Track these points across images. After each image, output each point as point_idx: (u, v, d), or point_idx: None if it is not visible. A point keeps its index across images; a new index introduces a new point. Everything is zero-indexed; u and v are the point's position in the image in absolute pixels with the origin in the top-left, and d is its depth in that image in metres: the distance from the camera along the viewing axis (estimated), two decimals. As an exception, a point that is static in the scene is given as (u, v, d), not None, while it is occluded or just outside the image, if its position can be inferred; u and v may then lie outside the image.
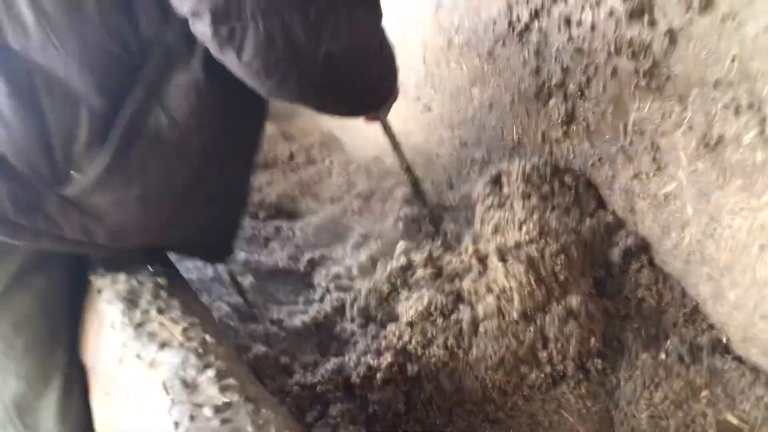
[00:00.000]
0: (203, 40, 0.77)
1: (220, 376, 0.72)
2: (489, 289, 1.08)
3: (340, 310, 1.15)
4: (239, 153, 1.00)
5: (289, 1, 0.73)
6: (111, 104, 0.81)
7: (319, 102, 0.91)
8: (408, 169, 1.42)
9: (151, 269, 0.91)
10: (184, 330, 0.79)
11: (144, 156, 0.84)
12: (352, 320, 1.12)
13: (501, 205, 1.19)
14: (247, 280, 1.22)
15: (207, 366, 0.73)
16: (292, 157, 1.97)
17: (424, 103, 1.67)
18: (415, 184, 1.46)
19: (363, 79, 0.92)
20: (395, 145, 1.36)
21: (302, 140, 2.09)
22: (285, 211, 1.58)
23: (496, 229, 1.17)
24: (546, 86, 1.26)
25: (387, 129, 1.32)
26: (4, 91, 0.77)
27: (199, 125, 0.86)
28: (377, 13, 0.87)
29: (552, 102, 1.26)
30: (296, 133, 2.17)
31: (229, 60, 0.77)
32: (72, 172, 0.82)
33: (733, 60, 0.94)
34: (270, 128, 2.09)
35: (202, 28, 0.74)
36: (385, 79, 1.02)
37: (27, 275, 0.92)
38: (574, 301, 1.05)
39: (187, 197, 0.91)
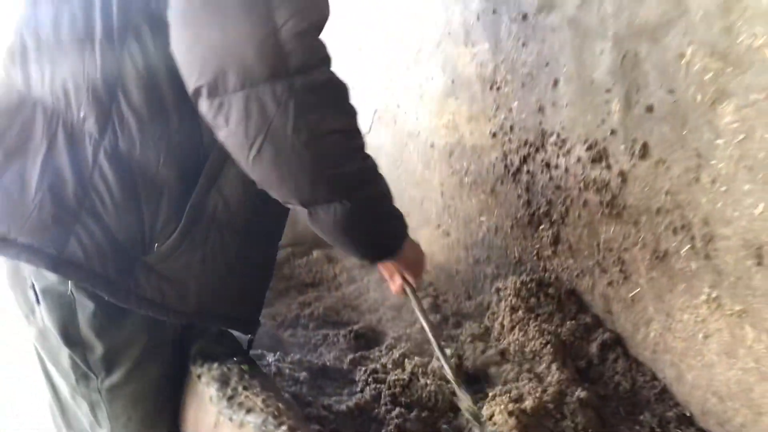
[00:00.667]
0: (205, 118, 0.93)
1: (291, 430, 1.01)
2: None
3: (377, 397, 1.42)
4: (271, 233, 1.26)
5: (262, 78, 0.87)
6: (185, 189, 1.06)
7: (300, 195, 0.98)
8: (440, 348, 1.34)
9: (236, 359, 1.22)
10: (264, 400, 1.08)
11: (205, 231, 1.10)
12: (386, 405, 1.40)
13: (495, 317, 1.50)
14: (301, 376, 1.51)
15: (281, 424, 1.02)
16: (335, 276, 2.31)
17: (444, 230, 2.01)
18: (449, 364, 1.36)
19: (339, 181, 0.98)
20: (425, 317, 1.35)
21: (344, 262, 2.43)
22: (330, 322, 1.89)
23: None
24: (536, 215, 1.59)
25: (416, 299, 1.34)
26: (117, 184, 1.02)
27: (244, 208, 1.13)
28: (345, 114, 0.97)
29: (542, 227, 1.59)
30: (339, 256, 2.51)
31: (221, 133, 0.93)
32: (155, 243, 1.08)
33: (666, 194, 1.27)
34: (317, 253, 2.45)
35: (201, 105, 0.92)
36: (374, 199, 1.06)
37: (151, 354, 1.22)
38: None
39: (233, 267, 1.17)
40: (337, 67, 0.99)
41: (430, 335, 1.33)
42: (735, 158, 1.12)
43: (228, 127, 0.91)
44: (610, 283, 1.44)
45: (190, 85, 0.91)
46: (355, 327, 1.79)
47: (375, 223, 1.10)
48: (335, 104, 0.95)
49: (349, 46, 2.26)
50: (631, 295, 1.40)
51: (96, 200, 1.03)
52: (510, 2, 1.54)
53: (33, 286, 1.12)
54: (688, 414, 1.30)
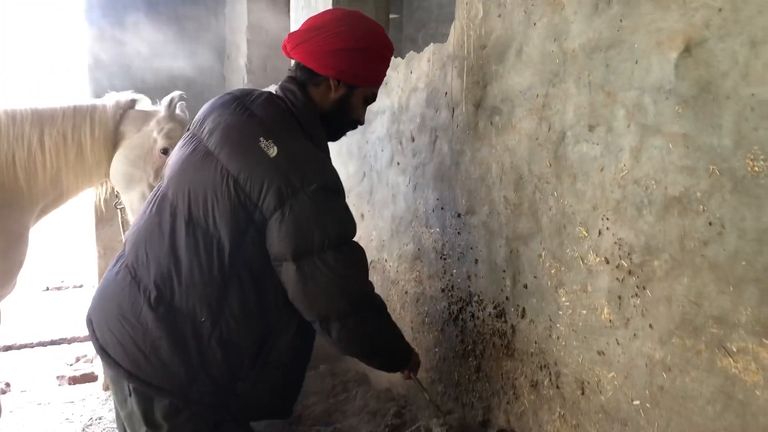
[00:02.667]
0: (313, 325, 1.75)
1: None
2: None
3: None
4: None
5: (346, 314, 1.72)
6: (257, 351, 1.77)
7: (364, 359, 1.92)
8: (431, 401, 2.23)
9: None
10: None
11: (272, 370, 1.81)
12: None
13: None
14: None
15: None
16: (333, 387, 2.96)
17: (414, 355, 2.67)
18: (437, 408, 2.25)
19: (380, 353, 1.90)
20: (423, 389, 2.17)
21: (342, 376, 3.08)
22: (323, 420, 2.53)
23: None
24: (466, 350, 2.26)
25: (417, 382, 2.13)
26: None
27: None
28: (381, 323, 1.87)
29: (470, 359, 2.24)
30: (340, 372, 3.17)
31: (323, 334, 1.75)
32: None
33: (535, 342, 1.93)
34: (323, 367, 3.11)
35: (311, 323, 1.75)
36: (395, 353, 1.95)
37: None
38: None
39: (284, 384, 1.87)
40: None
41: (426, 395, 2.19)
42: (567, 323, 1.80)
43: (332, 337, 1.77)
44: (508, 402, 2.07)
45: (306, 317, 1.74)
46: (341, 426, 2.43)
47: (394, 357, 1.96)
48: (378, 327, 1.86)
49: (355, 215, 3.05)
50: (519, 410, 2.03)
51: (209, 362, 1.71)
52: (451, 204, 2.29)
53: (128, 384, 1.80)
54: (550, 496, 1.89)
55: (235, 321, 1.69)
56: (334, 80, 1.78)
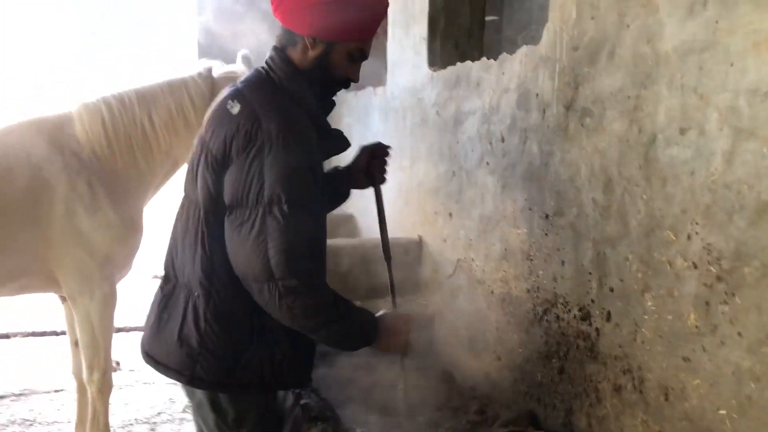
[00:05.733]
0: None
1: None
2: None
3: None
4: None
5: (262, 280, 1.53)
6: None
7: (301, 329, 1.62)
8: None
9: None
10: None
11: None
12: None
13: None
14: None
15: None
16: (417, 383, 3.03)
17: (497, 355, 2.69)
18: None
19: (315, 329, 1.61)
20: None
21: (427, 372, 3.14)
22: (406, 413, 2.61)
23: None
24: (549, 351, 2.26)
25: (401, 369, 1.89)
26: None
27: None
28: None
29: (553, 360, 2.25)
30: (424, 368, 3.23)
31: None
32: None
33: (619, 346, 1.92)
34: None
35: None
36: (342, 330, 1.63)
37: (263, 417, 1.77)
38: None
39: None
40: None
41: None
42: (653, 328, 1.78)
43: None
44: (590, 405, 2.07)
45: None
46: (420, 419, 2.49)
47: (350, 338, 1.68)
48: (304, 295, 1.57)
49: (443, 213, 3.10)
50: (601, 414, 2.02)
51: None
52: (539, 205, 2.30)
53: None
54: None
55: (225, 290, 1.67)
56: (308, 38, 1.69)
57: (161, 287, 1.79)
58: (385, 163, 1.98)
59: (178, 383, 1.77)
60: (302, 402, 2.08)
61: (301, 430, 1.98)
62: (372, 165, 1.96)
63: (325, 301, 1.61)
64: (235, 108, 1.64)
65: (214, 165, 1.64)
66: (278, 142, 1.56)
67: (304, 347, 1.78)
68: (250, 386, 1.73)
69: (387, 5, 1.77)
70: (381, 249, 1.99)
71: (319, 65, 1.72)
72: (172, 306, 1.74)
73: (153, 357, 1.77)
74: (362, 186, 2.00)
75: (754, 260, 1.46)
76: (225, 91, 1.73)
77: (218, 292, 1.67)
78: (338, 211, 2.83)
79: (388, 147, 1.97)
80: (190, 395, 1.82)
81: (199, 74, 3.03)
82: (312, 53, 1.71)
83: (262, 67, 1.76)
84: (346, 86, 1.81)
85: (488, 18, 7.33)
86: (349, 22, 1.68)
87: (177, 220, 1.80)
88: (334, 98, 1.85)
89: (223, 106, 1.68)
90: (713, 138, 1.56)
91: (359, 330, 1.68)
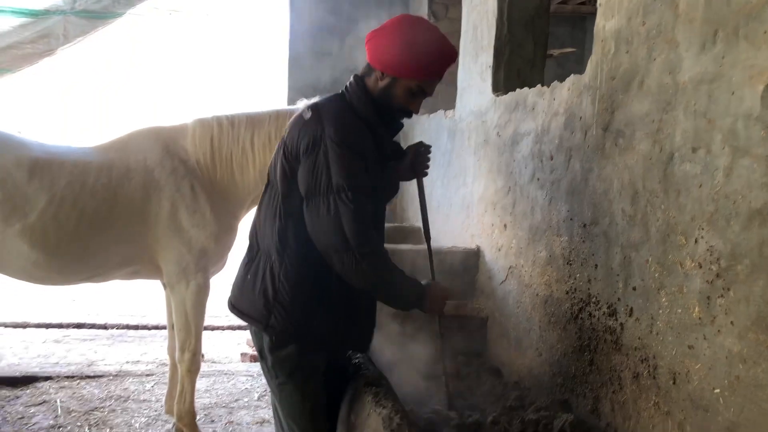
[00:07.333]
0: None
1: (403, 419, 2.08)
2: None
3: None
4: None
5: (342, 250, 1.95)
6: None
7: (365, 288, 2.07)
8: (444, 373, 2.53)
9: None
10: (392, 404, 2.16)
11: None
12: None
13: None
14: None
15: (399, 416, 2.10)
16: (468, 375, 3.32)
17: (538, 351, 2.96)
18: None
19: (380, 288, 2.08)
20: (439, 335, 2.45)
21: (477, 366, 3.43)
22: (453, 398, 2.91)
23: None
24: (582, 345, 2.53)
25: (439, 329, 2.45)
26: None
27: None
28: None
29: (585, 354, 2.51)
30: (476, 363, 3.52)
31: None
32: None
33: (638, 338, 2.18)
34: (461, 358, 3.48)
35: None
36: (399, 290, 2.09)
37: (298, 367, 2.15)
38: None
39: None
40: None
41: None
42: (665, 321, 2.04)
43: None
44: (614, 392, 2.32)
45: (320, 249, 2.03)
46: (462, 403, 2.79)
47: (403, 297, 2.12)
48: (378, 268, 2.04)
49: (498, 225, 3.41)
50: (622, 399, 2.27)
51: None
52: (579, 215, 2.59)
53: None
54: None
55: (296, 256, 2.07)
56: (378, 71, 2.10)
57: (246, 254, 2.23)
58: (426, 159, 2.42)
59: (257, 332, 2.20)
60: (360, 370, 2.43)
61: (357, 393, 2.33)
62: (415, 161, 2.38)
63: (389, 264, 2.04)
64: (308, 115, 2.09)
65: (289, 157, 2.08)
66: (337, 142, 1.97)
67: (364, 314, 2.21)
68: (314, 341, 2.12)
69: (453, 55, 2.15)
70: (423, 233, 2.53)
71: (384, 94, 2.13)
72: (255, 268, 2.17)
73: (238, 308, 2.21)
74: (408, 178, 2.46)
75: (745, 259, 1.72)
76: (307, 102, 2.19)
77: (289, 257, 2.09)
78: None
79: (429, 146, 2.40)
80: (257, 343, 2.22)
81: (305, 109, 3.54)
82: (380, 83, 2.13)
83: (342, 89, 2.19)
84: (408, 116, 2.21)
85: (566, 50, 7.57)
86: (410, 63, 2.07)
87: (261, 199, 2.26)
88: (402, 122, 2.26)
89: (300, 114, 2.13)
90: (717, 155, 1.83)
91: (411, 291, 2.11)
